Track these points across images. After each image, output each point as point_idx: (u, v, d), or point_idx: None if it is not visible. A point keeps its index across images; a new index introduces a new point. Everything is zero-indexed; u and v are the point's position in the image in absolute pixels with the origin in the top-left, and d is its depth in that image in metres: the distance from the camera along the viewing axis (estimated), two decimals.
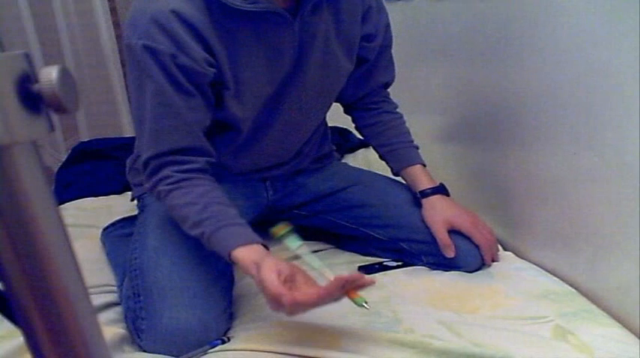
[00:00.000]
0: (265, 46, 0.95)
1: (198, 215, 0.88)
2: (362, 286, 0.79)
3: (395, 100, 1.22)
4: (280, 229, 0.91)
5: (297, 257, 0.93)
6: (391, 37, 1.15)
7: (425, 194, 1.09)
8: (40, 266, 0.30)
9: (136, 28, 0.87)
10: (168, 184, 0.91)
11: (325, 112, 1.18)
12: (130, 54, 0.89)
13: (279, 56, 0.97)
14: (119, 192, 1.57)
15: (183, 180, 0.91)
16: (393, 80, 1.20)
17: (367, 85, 1.17)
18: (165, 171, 0.92)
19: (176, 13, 0.86)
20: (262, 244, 0.87)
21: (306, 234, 1.24)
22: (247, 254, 0.84)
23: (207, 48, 0.90)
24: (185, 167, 0.92)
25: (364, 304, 0.78)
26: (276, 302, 0.76)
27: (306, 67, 1.00)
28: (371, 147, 1.23)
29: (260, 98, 0.99)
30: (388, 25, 1.13)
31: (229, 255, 0.84)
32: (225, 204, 0.91)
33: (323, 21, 0.99)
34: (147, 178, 0.95)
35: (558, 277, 1.01)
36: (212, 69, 0.91)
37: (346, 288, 0.78)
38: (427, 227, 1.07)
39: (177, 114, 0.91)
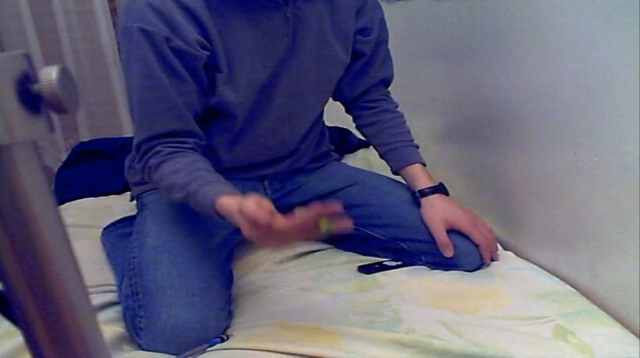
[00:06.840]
0: (259, 31, 0.97)
1: (184, 178, 0.88)
2: (334, 212, 0.73)
3: (395, 100, 1.23)
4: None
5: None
6: (387, 32, 1.16)
7: (424, 193, 1.09)
8: (40, 266, 0.29)
9: (131, 12, 0.90)
10: (157, 157, 0.93)
11: (322, 106, 1.18)
12: (124, 38, 0.91)
13: (272, 42, 0.98)
14: (119, 192, 1.57)
15: (173, 153, 0.93)
16: (391, 77, 1.21)
17: (365, 81, 1.18)
18: (156, 148, 0.93)
19: None
20: None
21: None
22: (232, 200, 0.81)
23: (203, 30, 0.92)
24: (176, 145, 0.94)
25: (329, 226, 0.73)
26: (253, 225, 0.73)
27: (300, 55, 1.02)
28: (371, 147, 1.23)
29: (254, 84, 1.00)
30: (383, 21, 1.15)
31: (214, 205, 0.83)
32: (212, 172, 0.92)
33: (317, 12, 1.02)
34: (138, 161, 0.96)
35: (558, 277, 1.01)
36: (205, 52, 0.93)
37: (322, 216, 0.73)
38: (427, 226, 1.07)
39: (167, 98, 0.92)
